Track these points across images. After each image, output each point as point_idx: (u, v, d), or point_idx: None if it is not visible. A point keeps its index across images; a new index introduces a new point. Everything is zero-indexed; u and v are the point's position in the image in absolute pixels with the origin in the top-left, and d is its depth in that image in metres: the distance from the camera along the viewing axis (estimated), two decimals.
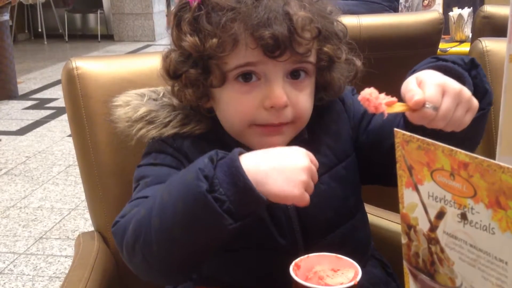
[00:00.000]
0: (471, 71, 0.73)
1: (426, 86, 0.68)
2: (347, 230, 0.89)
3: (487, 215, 0.50)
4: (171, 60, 0.84)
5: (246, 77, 0.80)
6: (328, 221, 0.88)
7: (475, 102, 0.69)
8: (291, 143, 0.83)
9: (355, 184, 0.93)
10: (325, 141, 0.89)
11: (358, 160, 0.92)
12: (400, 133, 0.56)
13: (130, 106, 0.88)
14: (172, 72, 0.84)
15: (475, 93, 0.71)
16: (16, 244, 2.54)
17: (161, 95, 0.90)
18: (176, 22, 0.83)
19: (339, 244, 0.81)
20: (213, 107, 0.86)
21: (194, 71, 0.81)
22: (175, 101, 0.88)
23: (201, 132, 0.86)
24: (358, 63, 0.88)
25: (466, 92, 0.68)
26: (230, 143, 0.84)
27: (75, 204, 2.91)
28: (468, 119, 0.69)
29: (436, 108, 0.67)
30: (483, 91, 0.71)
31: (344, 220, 0.90)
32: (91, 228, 1.17)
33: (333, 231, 0.87)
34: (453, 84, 0.68)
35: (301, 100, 0.82)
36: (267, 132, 0.81)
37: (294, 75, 0.81)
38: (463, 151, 0.50)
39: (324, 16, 0.83)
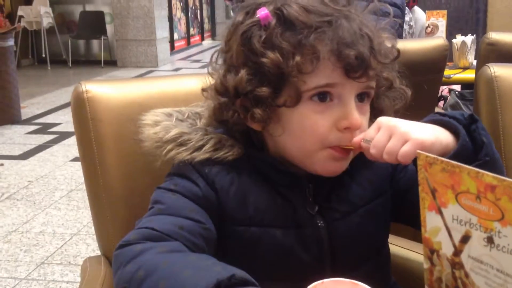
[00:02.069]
0: (471, 125, 0.74)
1: (370, 127, 0.77)
2: (371, 268, 0.87)
3: None
4: (239, 77, 0.79)
5: (321, 97, 0.78)
6: (357, 257, 0.86)
7: (414, 135, 0.70)
8: None
9: (386, 223, 0.92)
10: (365, 174, 0.88)
11: (392, 198, 0.90)
12: (423, 155, 0.55)
13: (160, 126, 0.86)
14: (233, 89, 0.80)
15: (473, 145, 0.73)
16: (17, 269, 2.51)
17: (186, 116, 0.88)
18: (244, 40, 0.80)
19: (360, 281, 0.79)
20: (266, 131, 0.83)
21: (266, 89, 0.78)
22: (203, 123, 0.87)
23: (233, 159, 0.84)
24: (409, 92, 0.87)
25: (401, 126, 0.72)
26: (274, 167, 0.83)
27: (77, 229, 2.89)
28: (407, 149, 0.70)
29: (369, 142, 0.75)
30: (480, 143, 0.73)
31: (370, 258, 0.88)
32: (93, 253, 1.16)
33: (359, 268, 0.84)
34: (387, 121, 0.74)
35: (365, 123, 0.81)
36: (338, 156, 0.80)
37: (360, 98, 0.81)
38: (490, 174, 0.49)
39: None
